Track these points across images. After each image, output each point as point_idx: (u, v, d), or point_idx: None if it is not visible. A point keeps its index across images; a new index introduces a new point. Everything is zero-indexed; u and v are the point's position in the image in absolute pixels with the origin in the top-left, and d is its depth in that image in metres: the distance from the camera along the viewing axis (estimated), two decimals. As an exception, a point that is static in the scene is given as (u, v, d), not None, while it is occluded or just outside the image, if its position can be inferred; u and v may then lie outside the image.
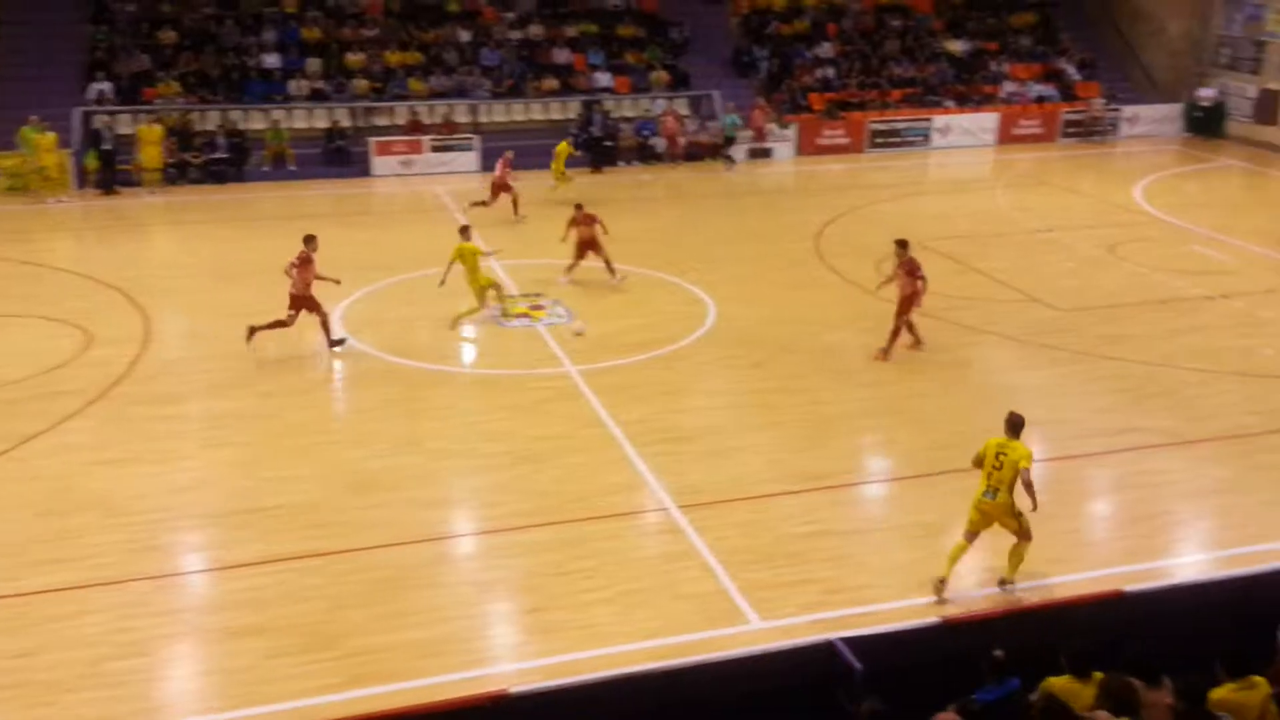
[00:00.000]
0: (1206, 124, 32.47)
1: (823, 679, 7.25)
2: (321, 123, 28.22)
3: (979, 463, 10.07)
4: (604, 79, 30.57)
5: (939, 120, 31.27)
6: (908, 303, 15.66)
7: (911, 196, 25.97)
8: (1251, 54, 31.89)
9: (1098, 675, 6.55)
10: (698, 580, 10.38)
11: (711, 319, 17.55)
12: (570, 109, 29.74)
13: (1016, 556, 10.10)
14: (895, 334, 15.83)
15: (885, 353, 15.80)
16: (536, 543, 11.07)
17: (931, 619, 8.75)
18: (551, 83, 30.07)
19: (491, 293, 17.16)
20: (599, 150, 28.54)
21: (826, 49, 32.60)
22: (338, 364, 15.92)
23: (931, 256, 20.74)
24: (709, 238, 22.42)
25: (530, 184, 24.52)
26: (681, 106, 30.55)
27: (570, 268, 19.04)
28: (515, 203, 23.22)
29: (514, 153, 24.21)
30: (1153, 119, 32.75)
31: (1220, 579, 9.44)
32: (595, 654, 9.17)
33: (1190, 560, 10.99)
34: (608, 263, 18.93)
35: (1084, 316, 17.60)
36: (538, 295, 18.49)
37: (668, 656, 8.71)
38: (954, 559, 10.08)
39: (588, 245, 18.88)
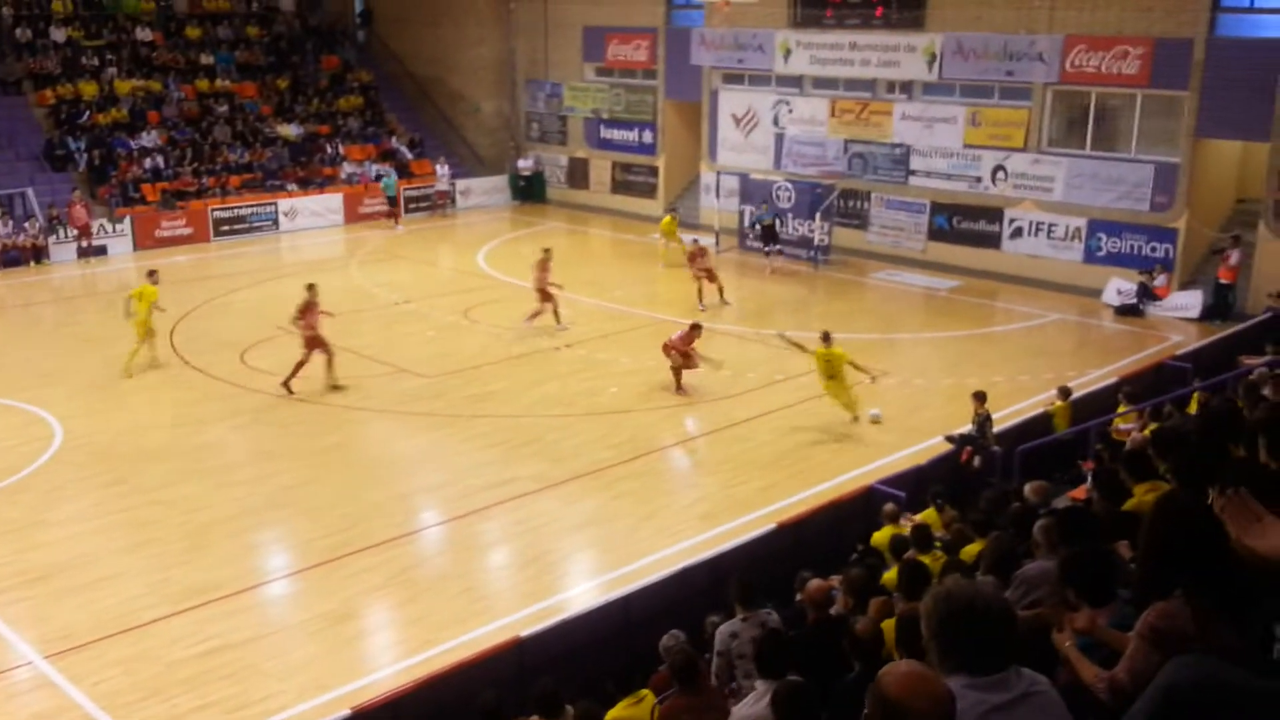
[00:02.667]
0: (530, 192, 35.86)
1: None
2: None
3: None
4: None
5: (284, 204, 31.08)
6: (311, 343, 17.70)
7: (268, 282, 25.45)
8: (558, 127, 35.84)
9: None
10: (80, 738, 9.10)
11: (59, 439, 15.67)
12: None
13: None
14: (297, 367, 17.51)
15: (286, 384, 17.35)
16: None
17: (342, 712, 8.47)
18: None
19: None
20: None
21: (152, 137, 30.93)
22: None
23: (295, 341, 20.49)
24: (42, 350, 20.09)
25: None
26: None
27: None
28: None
29: None
30: (483, 190, 35.43)
31: (600, 604, 10.26)
32: None
33: (579, 590, 11.82)
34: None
35: (450, 380, 18.39)
36: None
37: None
38: None
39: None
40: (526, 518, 13.41)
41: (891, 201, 27.75)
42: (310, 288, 18.34)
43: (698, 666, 6.99)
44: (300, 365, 17.73)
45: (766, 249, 26.67)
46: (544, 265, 21.31)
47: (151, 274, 19.60)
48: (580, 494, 14.09)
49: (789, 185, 27.66)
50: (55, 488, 14.15)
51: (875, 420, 16.30)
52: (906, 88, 27.30)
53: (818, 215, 26.78)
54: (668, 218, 27.68)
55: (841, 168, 28.33)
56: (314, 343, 17.95)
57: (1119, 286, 23.22)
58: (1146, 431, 10.59)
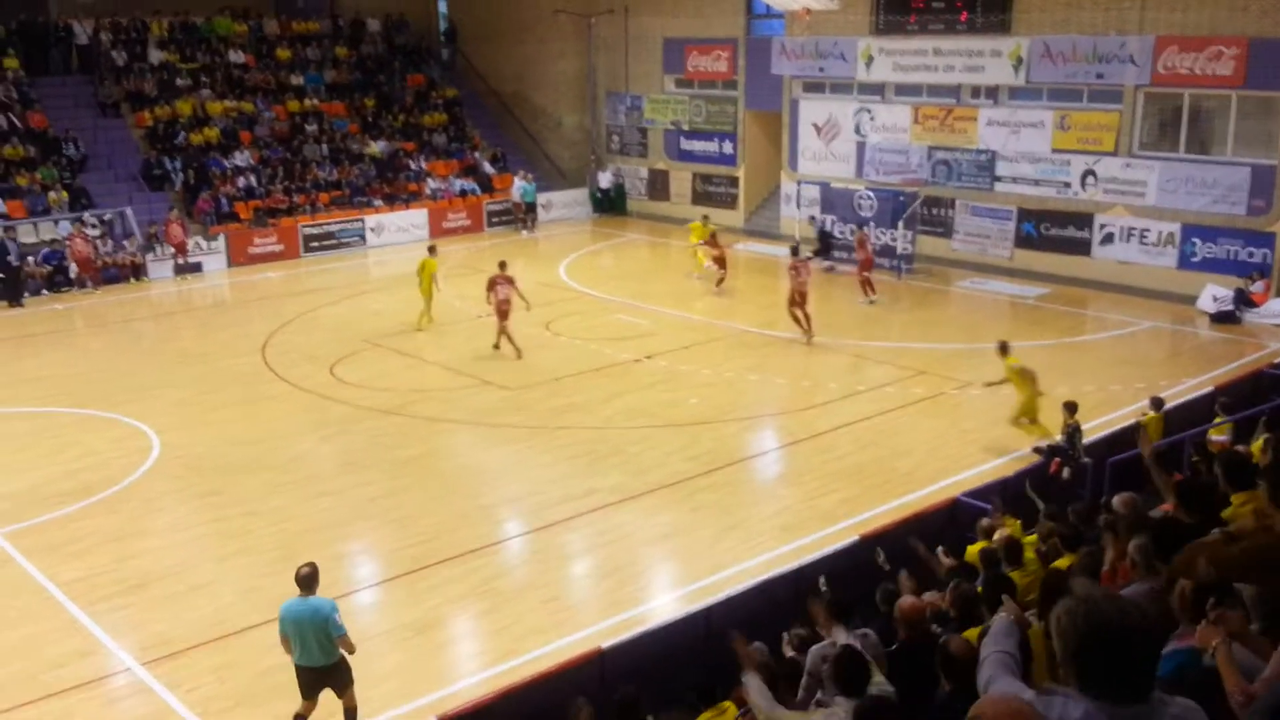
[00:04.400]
0: (611, 204, 36.08)
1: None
2: None
3: None
4: (-7, 203, 27.37)
5: (371, 220, 31.71)
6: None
7: (355, 296, 25.98)
8: (638, 140, 36.02)
9: None
10: (176, 742, 9.36)
11: (156, 451, 16.16)
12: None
13: None
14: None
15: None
16: (-30, 747, 9.38)
17: (431, 718, 8.59)
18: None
19: None
20: (9, 282, 25.38)
21: (244, 156, 31.82)
22: None
23: (383, 353, 20.89)
24: (141, 364, 20.76)
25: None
26: (93, 227, 28.14)
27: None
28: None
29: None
30: (564, 204, 35.73)
31: (681, 617, 10.25)
32: None
33: (660, 602, 11.83)
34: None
35: (532, 393, 18.56)
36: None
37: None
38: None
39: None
40: (607, 529, 13.47)
41: (977, 208, 27.34)
42: (501, 264, 21.21)
43: (776, 680, 6.95)
44: (501, 333, 20.43)
45: (824, 260, 26.81)
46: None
47: (431, 249, 23.47)
48: (661, 506, 14.10)
49: (871, 194, 27.41)
50: (153, 498, 14.60)
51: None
52: (992, 93, 26.90)
53: (900, 223, 26.50)
54: (698, 223, 27.53)
55: (925, 175, 27.99)
56: (503, 313, 20.42)
57: (1215, 293, 22.55)
58: (1256, 446, 10.16)
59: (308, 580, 8.92)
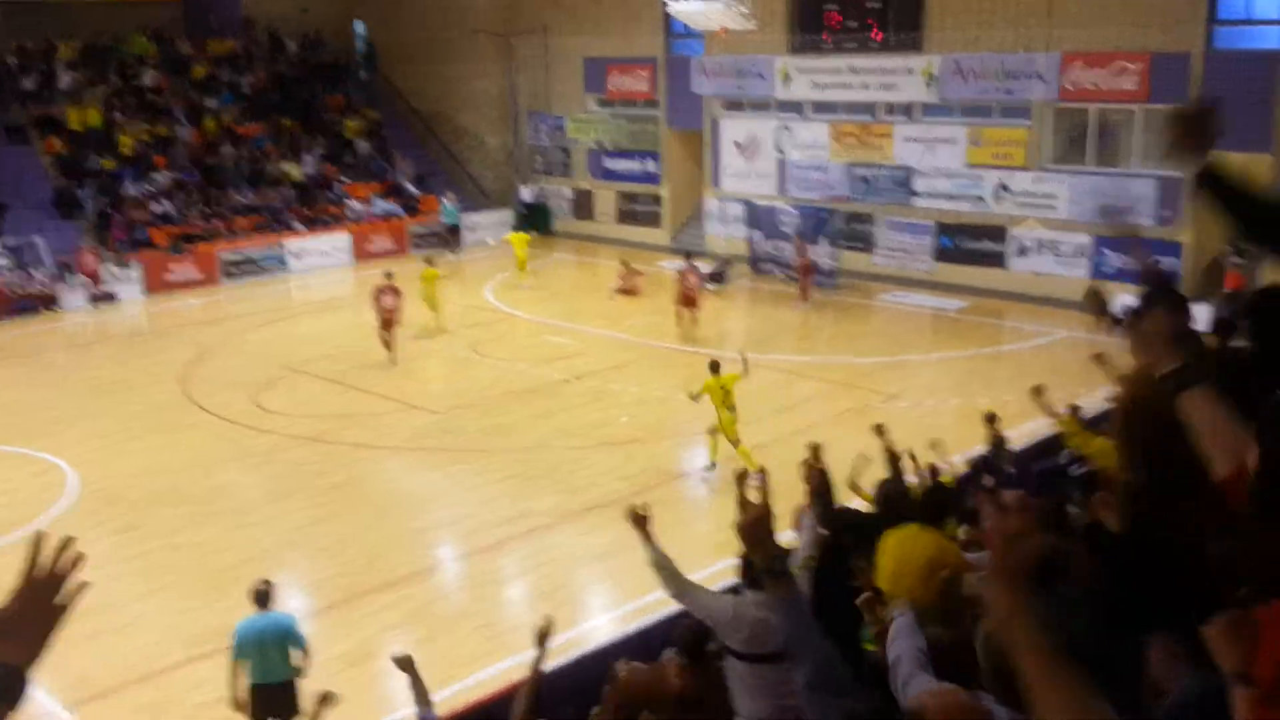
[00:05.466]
0: (534, 223, 35.91)
1: None
2: None
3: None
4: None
5: (292, 244, 31.25)
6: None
7: (278, 322, 25.58)
8: (562, 159, 36.02)
9: None
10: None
11: (73, 486, 15.72)
12: None
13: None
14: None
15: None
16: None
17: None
18: None
19: None
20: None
21: (159, 181, 31.12)
22: None
23: (307, 380, 20.58)
24: (54, 397, 20.18)
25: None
26: None
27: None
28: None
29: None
30: (488, 224, 35.55)
31: (620, 638, 10.22)
32: None
33: (596, 623, 11.79)
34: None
35: (463, 414, 18.42)
36: None
37: None
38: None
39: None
40: (542, 550, 13.41)
41: (896, 223, 27.82)
42: (388, 274, 22.00)
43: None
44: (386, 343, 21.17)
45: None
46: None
47: (429, 260, 24.75)
48: (596, 526, 14.06)
49: (793, 210, 27.74)
50: (71, 534, 14.14)
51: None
52: (906, 109, 27.42)
53: (823, 238, 26.84)
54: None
55: (845, 191, 28.42)
56: (387, 322, 21.07)
57: (1125, 302, 23.16)
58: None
59: (264, 596, 8.97)
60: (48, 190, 30.00)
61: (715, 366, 15.70)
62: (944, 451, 11.24)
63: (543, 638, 6.32)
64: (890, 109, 27.77)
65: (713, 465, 15.60)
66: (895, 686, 3.91)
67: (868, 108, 28.10)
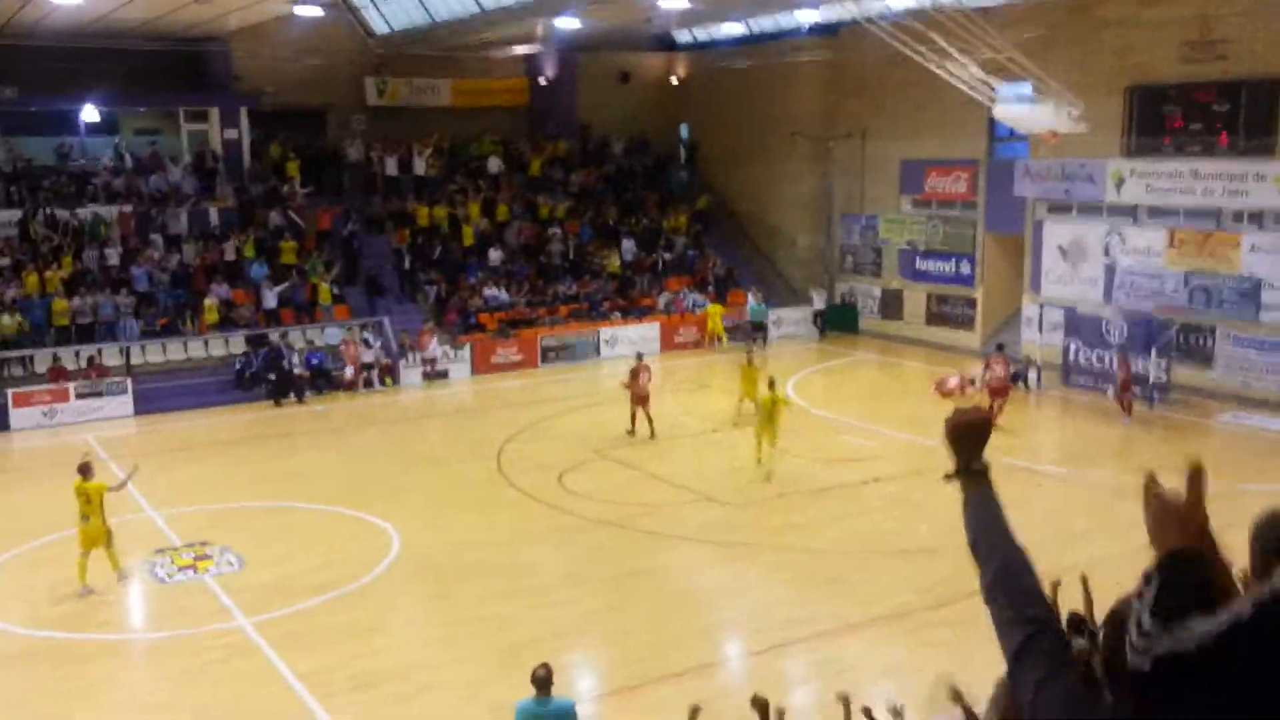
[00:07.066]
0: (838, 322, 35.71)
1: None
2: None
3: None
4: (270, 301, 29.82)
5: (606, 332, 32.68)
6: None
7: (587, 407, 26.68)
8: (872, 259, 35.80)
9: None
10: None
11: (396, 550, 16.93)
12: (234, 344, 28.71)
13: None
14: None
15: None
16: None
17: None
18: (212, 315, 28.93)
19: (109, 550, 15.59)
20: (281, 382, 27.47)
21: (495, 256, 33.48)
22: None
23: (608, 465, 21.28)
24: (389, 465, 21.92)
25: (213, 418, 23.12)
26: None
27: None
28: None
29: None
30: (794, 320, 35.71)
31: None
32: None
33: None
34: None
35: (753, 510, 18.41)
36: (203, 544, 17.19)
37: None
38: None
39: None
40: (826, 659, 13.06)
41: (1240, 338, 25.55)
42: (639, 356, 23.83)
43: None
44: (633, 418, 22.73)
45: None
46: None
47: (749, 356, 25.32)
48: (885, 639, 13.57)
49: (1121, 319, 26.10)
50: (391, 596, 15.24)
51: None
52: (1256, 217, 25.31)
53: (1154, 350, 25.06)
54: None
55: (1182, 301, 26.47)
56: (642, 399, 22.64)
57: None
58: None
59: (545, 681, 9.21)
60: (395, 274, 32.93)
61: (772, 384, 20.28)
62: None
63: (958, 697, 5.96)
64: (1237, 216, 25.74)
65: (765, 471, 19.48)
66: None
67: (1212, 214, 26.18)
